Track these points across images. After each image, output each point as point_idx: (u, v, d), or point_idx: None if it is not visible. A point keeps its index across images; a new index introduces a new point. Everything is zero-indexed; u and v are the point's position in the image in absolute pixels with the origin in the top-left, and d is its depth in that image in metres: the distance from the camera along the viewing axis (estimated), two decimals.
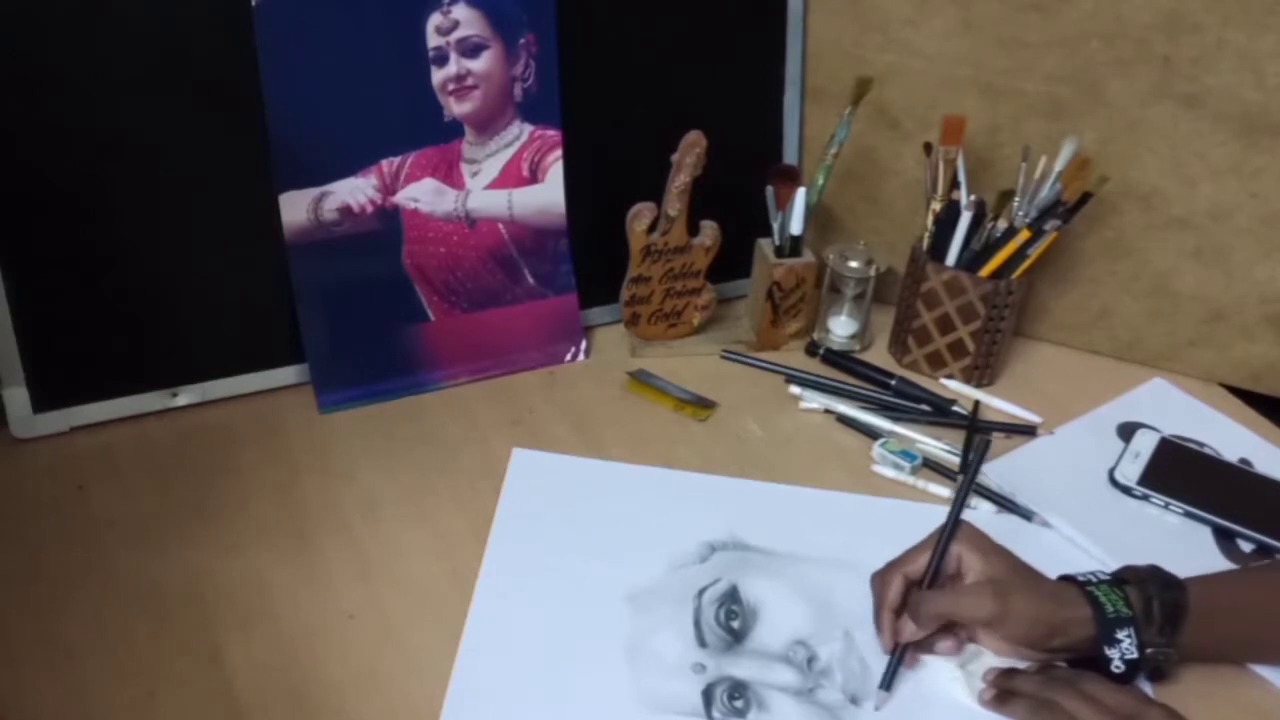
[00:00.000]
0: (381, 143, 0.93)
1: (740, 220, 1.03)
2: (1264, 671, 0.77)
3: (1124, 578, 0.74)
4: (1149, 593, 0.72)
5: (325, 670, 0.73)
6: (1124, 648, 0.71)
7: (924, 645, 0.75)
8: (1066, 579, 0.75)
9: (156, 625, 0.75)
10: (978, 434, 0.92)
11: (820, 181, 1.02)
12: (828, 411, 0.99)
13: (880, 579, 0.76)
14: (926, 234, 1.01)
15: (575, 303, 1.03)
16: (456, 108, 0.94)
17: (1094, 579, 0.74)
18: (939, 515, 0.87)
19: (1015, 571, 0.74)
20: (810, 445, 0.95)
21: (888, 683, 0.73)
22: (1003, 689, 0.72)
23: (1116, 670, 0.71)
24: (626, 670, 0.73)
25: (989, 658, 0.74)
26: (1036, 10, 0.96)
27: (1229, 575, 0.80)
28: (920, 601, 0.73)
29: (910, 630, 0.73)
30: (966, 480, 0.83)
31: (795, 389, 1.00)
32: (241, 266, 0.93)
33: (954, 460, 0.93)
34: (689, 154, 0.97)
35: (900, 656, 0.73)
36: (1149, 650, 0.71)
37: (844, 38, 1.03)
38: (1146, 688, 0.73)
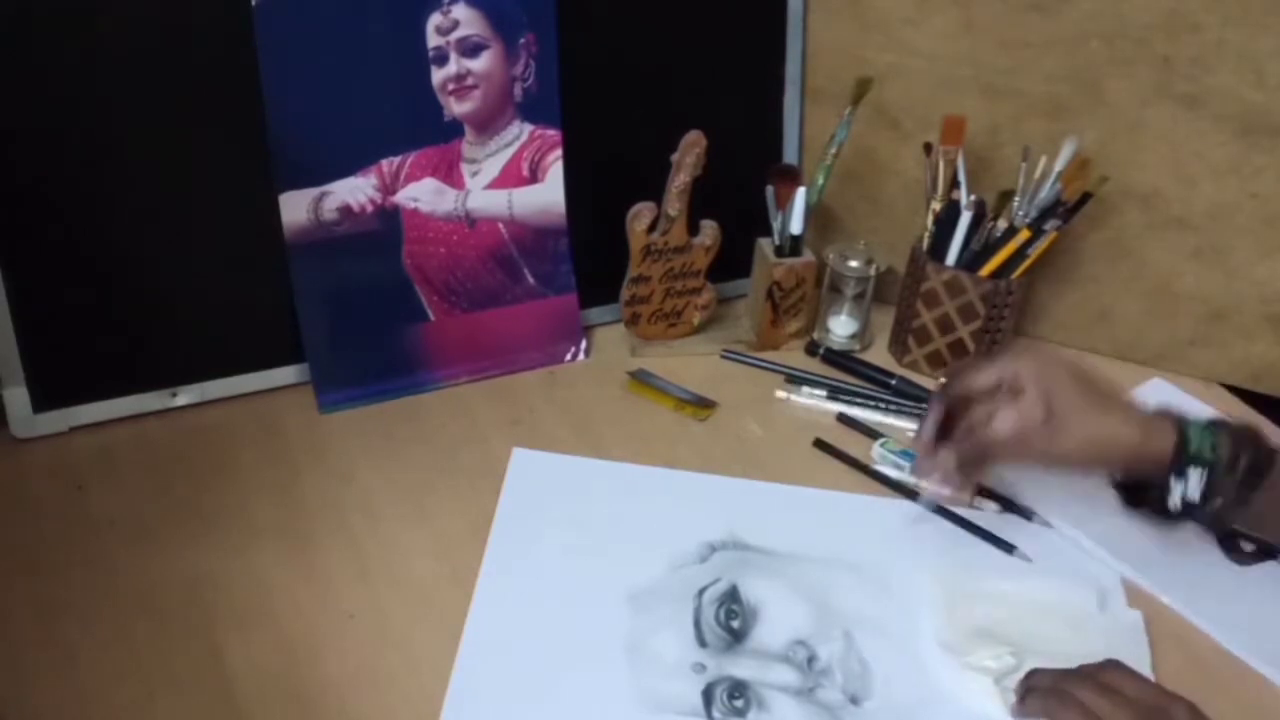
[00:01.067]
0: (381, 143, 0.93)
1: (740, 220, 1.03)
2: (1264, 670, 0.77)
3: (1219, 425, 0.72)
4: (1240, 449, 0.70)
5: (325, 670, 0.73)
6: (1189, 487, 0.69)
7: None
8: (1162, 410, 0.73)
9: (156, 625, 0.75)
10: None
11: (820, 181, 1.02)
12: (840, 417, 0.99)
13: (934, 404, 0.74)
14: (926, 234, 1.01)
15: (575, 303, 1.03)
16: (456, 108, 0.94)
17: (1190, 417, 0.71)
18: (939, 515, 0.88)
19: (1082, 392, 0.69)
20: (810, 445, 0.95)
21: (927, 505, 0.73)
22: (1024, 687, 0.71)
23: (1173, 508, 0.69)
24: (626, 670, 0.73)
25: (1022, 672, 0.73)
26: (1036, 10, 0.96)
27: None
28: (964, 439, 0.71)
29: (949, 460, 0.72)
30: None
31: (781, 393, 1.00)
32: (241, 266, 0.93)
33: None
34: (689, 154, 0.97)
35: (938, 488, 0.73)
36: (1219, 500, 0.69)
37: (844, 38, 1.03)
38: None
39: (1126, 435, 0.69)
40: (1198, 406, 1.02)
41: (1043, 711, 0.69)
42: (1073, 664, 0.71)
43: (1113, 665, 0.70)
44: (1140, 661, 0.75)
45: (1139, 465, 0.70)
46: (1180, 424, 0.71)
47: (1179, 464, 0.69)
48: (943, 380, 0.74)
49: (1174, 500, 0.69)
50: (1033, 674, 0.72)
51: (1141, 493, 0.72)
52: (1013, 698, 0.72)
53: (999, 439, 0.71)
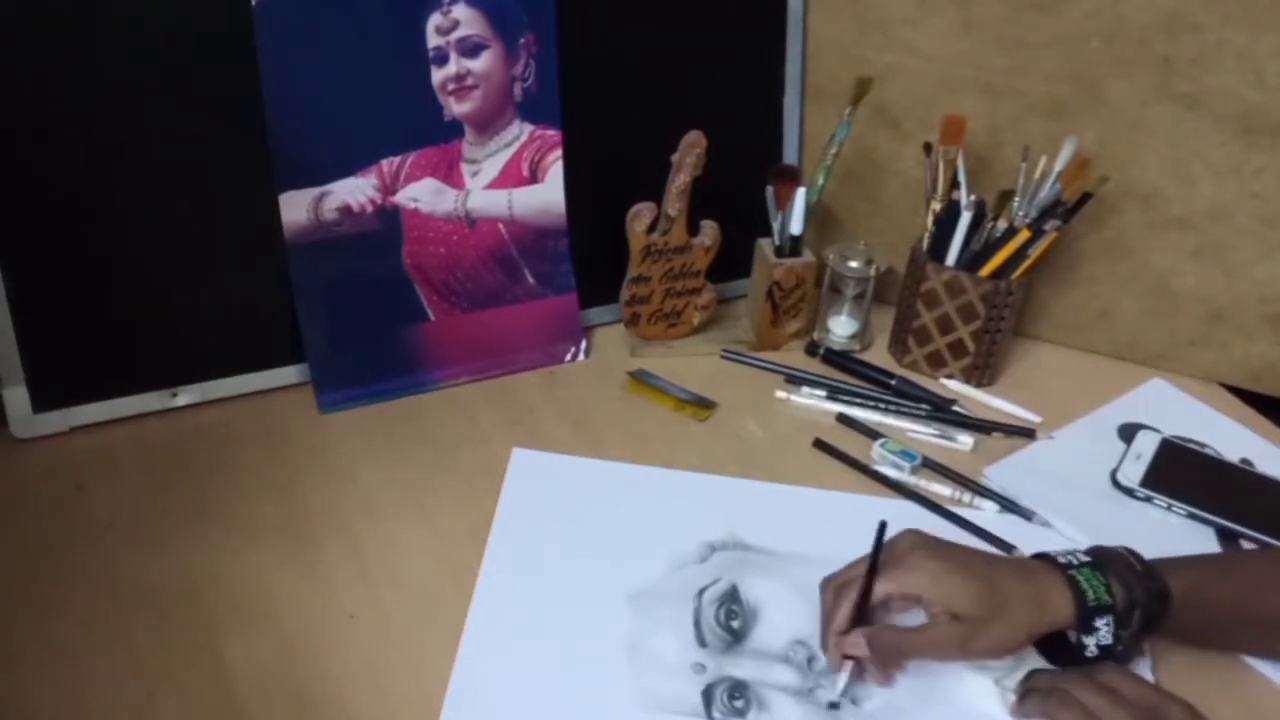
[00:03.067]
0: (381, 143, 0.93)
1: (740, 220, 1.03)
2: (1263, 669, 0.77)
3: (1103, 562, 0.72)
4: (1134, 597, 0.70)
5: (325, 670, 0.73)
6: (1100, 635, 0.70)
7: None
8: (1042, 558, 0.74)
9: (156, 625, 0.75)
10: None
11: (820, 181, 1.02)
12: (840, 417, 0.99)
13: (831, 593, 0.74)
14: (926, 234, 1.01)
15: (575, 303, 1.03)
16: (456, 108, 0.94)
17: (1074, 561, 0.72)
18: (939, 515, 0.88)
19: (982, 601, 0.69)
20: (810, 445, 0.95)
21: (844, 692, 0.72)
22: (1023, 690, 0.71)
23: (1090, 655, 0.70)
24: (626, 670, 0.73)
25: (1022, 672, 0.73)
26: (1036, 10, 0.96)
27: (1208, 568, 0.77)
28: (884, 637, 0.71)
29: (860, 648, 0.71)
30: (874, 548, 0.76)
31: (781, 393, 1.00)
32: (241, 266, 0.93)
33: (954, 455, 0.94)
34: (689, 154, 0.97)
35: (854, 672, 0.72)
36: (1119, 648, 0.70)
37: (844, 38, 1.03)
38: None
39: (1028, 622, 0.70)
40: (1197, 406, 1.02)
41: (1042, 712, 0.69)
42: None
43: (1111, 667, 0.70)
44: (1139, 662, 0.75)
45: (1047, 632, 0.71)
46: (1068, 577, 0.71)
47: (1085, 621, 0.70)
48: (829, 583, 0.75)
49: (1091, 651, 0.70)
50: (1032, 675, 0.72)
51: (1056, 644, 0.73)
52: (1013, 698, 0.72)
53: (911, 656, 0.73)
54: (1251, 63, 0.92)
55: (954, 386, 1.03)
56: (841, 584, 0.74)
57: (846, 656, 0.72)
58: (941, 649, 0.71)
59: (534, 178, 0.99)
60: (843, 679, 0.72)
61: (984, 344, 1.01)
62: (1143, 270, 1.03)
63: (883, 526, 0.76)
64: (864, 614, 0.72)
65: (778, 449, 0.95)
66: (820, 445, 0.94)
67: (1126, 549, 0.74)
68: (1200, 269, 1.01)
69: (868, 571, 0.73)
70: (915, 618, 0.73)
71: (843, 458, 0.93)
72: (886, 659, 0.72)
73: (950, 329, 1.01)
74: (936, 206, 1.00)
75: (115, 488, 0.86)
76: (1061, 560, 0.72)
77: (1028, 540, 0.84)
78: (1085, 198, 0.96)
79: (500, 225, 0.99)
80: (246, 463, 0.89)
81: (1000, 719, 0.72)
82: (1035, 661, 0.73)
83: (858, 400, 1.00)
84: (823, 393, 1.00)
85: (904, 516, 0.88)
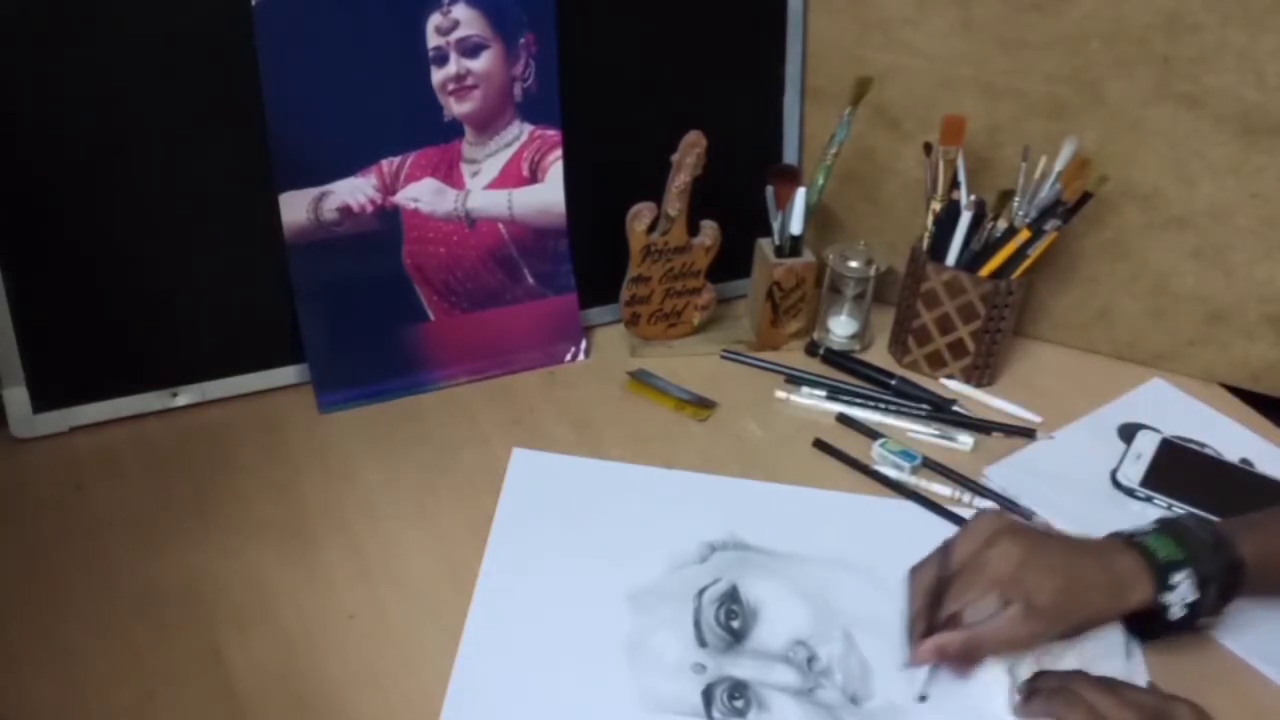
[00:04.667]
0: (381, 143, 0.93)
1: (740, 220, 1.03)
2: (1263, 668, 0.77)
3: (1174, 529, 0.72)
4: (1207, 572, 0.70)
5: (325, 670, 0.73)
6: (1182, 591, 0.70)
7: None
8: (1114, 536, 0.74)
9: (156, 625, 0.75)
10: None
11: (820, 181, 1.02)
12: (840, 417, 0.99)
13: (919, 594, 0.74)
14: (926, 234, 1.01)
15: (575, 303, 1.03)
16: (456, 108, 0.94)
17: (1142, 530, 0.72)
18: (938, 515, 0.88)
19: (1061, 587, 0.69)
20: (810, 445, 0.95)
21: (926, 690, 0.72)
22: (1029, 690, 0.71)
23: (1175, 618, 0.70)
24: (626, 670, 0.73)
25: (1031, 664, 0.73)
26: (1036, 10, 0.96)
27: (1276, 524, 0.76)
28: (951, 645, 0.71)
29: (933, 656, 0.71)
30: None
31: (781, 393, 1.00)
32: (241, 266, 0.93)
33: (954, 455, 0.94)
34: (689, 154, 0.97)
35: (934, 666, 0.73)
36: (1200, 619, 0.71)
37: (844, 38, 1.03)
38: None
39: (1108, 607, 0.70)
40: (1197, 406, 1.02)
41: (1048, 711, 0.69)
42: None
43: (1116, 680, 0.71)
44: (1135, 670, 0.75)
45: (1132, 609, 0.71)
46: (1138, 546, 0.71)
47: (1162, 581, 0.70)
48: (919, 569, 0.75)
49: (1175, 611, 0.70)
50: (1039, 675, 0.72)
51: (1146, 621, 0.73)
52: (1017, 693, 0.72)
53: (991, 650, 0.72)
54: (1251, 63, 0.92)
55: (954, 386, 1.03)
56: (930, 583, 0.74)
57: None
58: (1017, 643, 0.70)
59: (534, 178, 0.99)
60: (921, 676, 0.72)
61: (984, 344, 1.01)
62: (1143, 270, 1.03)
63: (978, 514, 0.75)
64: (937, 614, 0.72)
65: (778, 449, 0.95)
66: (820, 445, 0.94)
67: (1192, 514, 0.74)
68: (1200, 269, 1.01)
69: (943, 558, 0.73)
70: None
71: (843, 458, 0.93)
72: (974, 656, 0.72)
73: (950, 329, 1.01)
74: (936, 206, 1.00)
75: (115, 488, 0.86)
76: (1131, 535, 0.73)
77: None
78: (1085, 198, 0.96)
79: (500, 225, 0.99)
80: (246, 463, 0.89)
81: (1005, 715, 0.72)
82: (1049, 651, 0.74)
83: (858, 400, 1.00)
84: (823, 393, 1.00)
85: (904, 516, 0.88)
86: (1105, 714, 0.66)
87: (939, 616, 0.72)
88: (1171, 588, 0.70)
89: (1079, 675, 0.70)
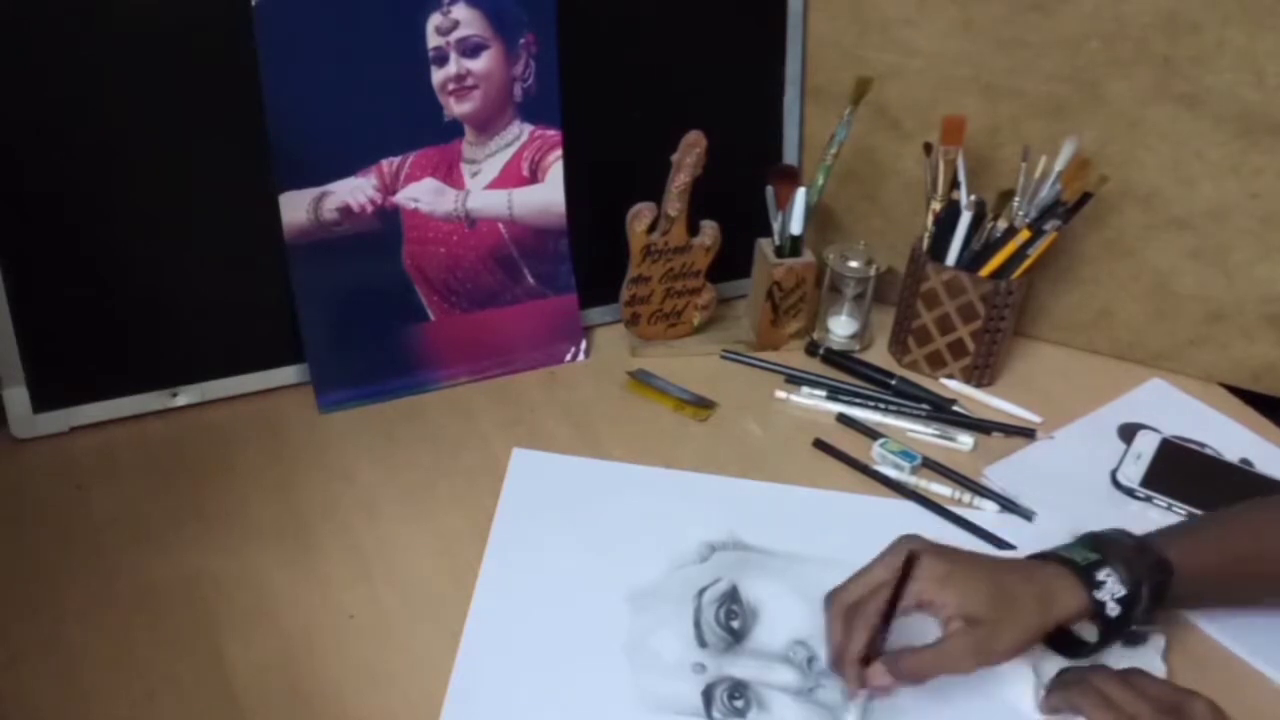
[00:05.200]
0: (381, 143, 0.92)
1: (740, 220, 1.03)
2: (1263, 668, 0.77)
3: (1095, 539, 0.73)
4: (1137, 574, 0.70)
5: (325, 670, 0.73)
6: (1111, 588, 0.69)
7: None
8: (1038, 556, 0.73)
9: (156, 625, 0.75)
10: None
11: (820, 181, 1.02)
12: (840, 417, 0.99)
13: (841, 617, 0.71)
14: (926, 234, 1.01)
15: (575, 303, 1.03)
16: (456, 108, 0.94)
17: (1063, 545, 0.72)
18: (939, 515, 0.88)
19: (994, 602, 0.68)
20: (810, 445, 0.95)
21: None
22: (1051, 685, 0.72)
23: (1112, 614, 0.69)
24: (626, 670, 0.73)
25: (1056, 660, 0.74)
26: (1036, 10, 0.96)
27: (1206, 534, 0.76)
28: (902, 662, 0.69)
29: (885, 681, 0.69)
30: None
31: (781, 393, 1.00)
32: (241, 266, 0.93)
33: (954, 455, 0.94)
34: (689, 154, 0.97)
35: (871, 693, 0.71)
36: (1131, 627, 0.70)
37: (844, 38, 1.03)
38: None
39: (1038, 619, 0.69)
40: (1197, 406, 1.02)
41: (1067, 703, 0.70)
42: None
43: (1136, 669, 0.71)
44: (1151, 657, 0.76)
45: (1063, 621, 0.70)
46: (1060, 559, 0.71)
47: (1089, 582, 0.69)
48: (834, 603, 0.73)
49: (1111, 608, 0.69)
50: (1061, 671, 0.72)
51: (1067, 641, 0.73)
52: (1042, 693, 0.72)
53: (932, 675, 0.70)
54: (1251, 63, 0.92)
55: (954, 386, 1.03)
56: (853, 604, 0.71)
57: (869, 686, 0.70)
58: (961, 660, 0.68)
59: (534, 178, 0.99)
60: (859, 704, 0.71)
61: (984, 344, 1.01)
62: (1143, 270, 1.03)
63: (910, 557, 0.71)
64: (883, 637, 0.70)
65: (778, 449, 0.95)
66: (820, 445, 0.94)
67: (1117, 529, 0.74)
68: (1200, 269, 1.01)
69: (890, 601, 0.70)
70: (923, 626, 0.71)
71: (843, 458, 0.93)
72: (913, 682, 0.70)
73: (950, 329, 1.01)
74: (936, 206, 0.99)
75: (115, 488, 0.86)
76: (1047, 552, 0.73)
77: (1027, 540, 0.84)
78: (1085, 198, 0.96)
79: (500, 225, 0.99)
80: (246, 463, 0.89)
81: (1032, 712, 0.72)
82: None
83: (858, 400, 1.00)
84: (823, 393, 1.00)
85: (904, 516, 0.88)
86: (1122, 706, 0.67)
87: (868, 642, 0.70)
88: (1100, 584, 0.69)
89: (1099, 668, 0.71)
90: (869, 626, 0.69)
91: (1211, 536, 0.76)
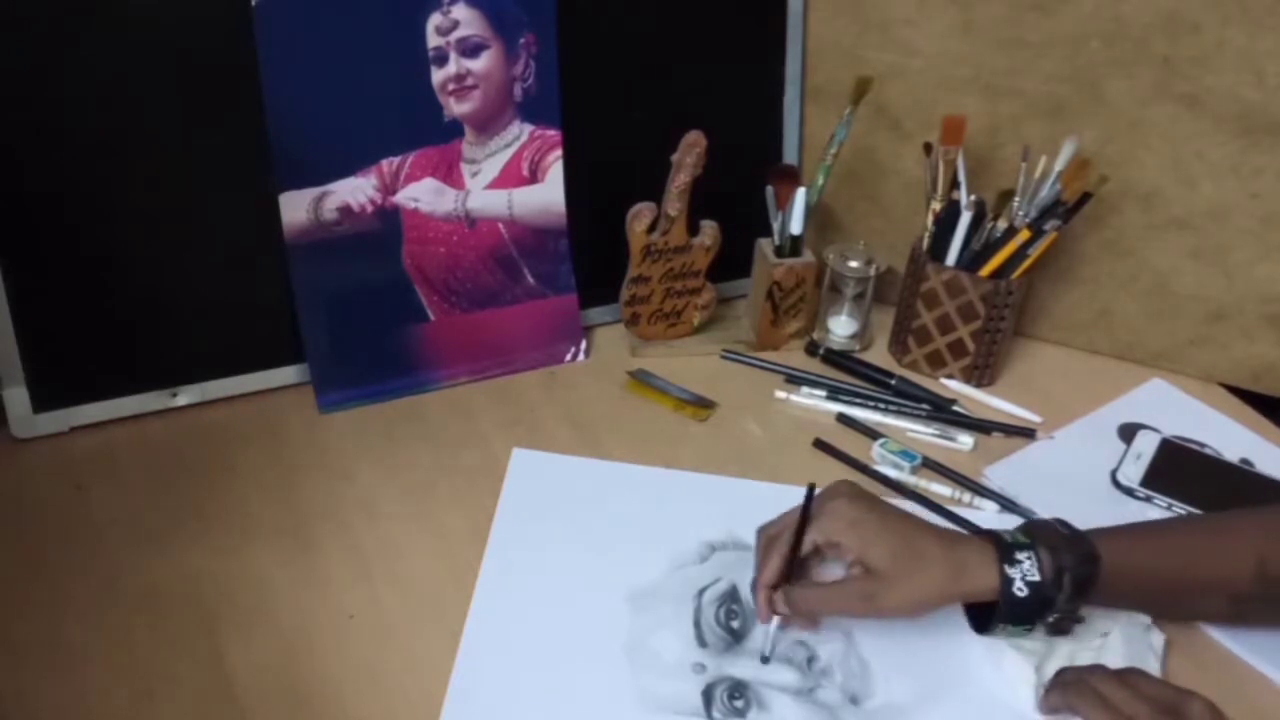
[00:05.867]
0: (381, 143, 0.93)
1: (740, 220, 1.03)
2: (1263, 668, 0.77)
3: (1030, 527, 0.74)
4: (1061, 562, 0.70)
5: (325, 670, 0.73)
6: (1025, 569, 0.70)
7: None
8: (978, 533, 0.75)
9: (156, 625, 0.75)
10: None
11: (820, 181, 1.02)
12: (840, 417, 0.99)
13: (764, 545, 0.76)
14: (926, 234, 1.01)
15: (575, 303, 1.03)
16: (456, 108, 0.94)
17: (1016, 559, 0.72)
18: (938, 515, 0.88)
19: (895, 558, 0.70)
20: (810, 445, 0.95)
21: (770, 654, 0.74)
22: (1050, 685, 0.72)
23: (1019, 594, 0.69)
24: (626, 670, 0.73)
25: (1059, 660, 0.74)
26: (1036, 10, 0.96)
27: (1141, 535, 0.77)
28: (793, 594, 0.73)
29: (782, 605, 0.73)
30: (805, 502, 0.77)
31: (781, 393, 1.00)
32: (241, 266, 0.93)
33: (954, 455, 0.94)
34: (689, 154, 0.97)
35: (782, 625, 0.74)
36: (1052, 617, 0.71)
37: (844, 38, 1.03)
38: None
39: (941, 585, 0.70)
40: (1197, 406, 1.02)
41: (1065, 703, 0.70)
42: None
43: (1134, 669, 0.71)
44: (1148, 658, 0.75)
45: (972, 594, 0.71)
46: (993, 537, 0.72)
47: (1006, 556, 0.70)
48: (764, 533, 0.77)
49: (1019, 588, 0.69)
50: (1060, 672, 0.73)
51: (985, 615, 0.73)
52: (1042, 692, 0.72)
53: (824, 612, 0.74)
54: (1251, 63, 0.92)
55: (954, 386, 1.03)
56: (773, 535, 0.76)
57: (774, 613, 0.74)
58: (849, 603, 0.72)
59: (534, 178, 0.99)
60: (771, 630, 0.74)
61: (984, 344, 1.01)
62: (1143, 270, 1.03)
63: (811, 488, 0.77)
64: (792, 567, 0.73)
65: (778, 449, 0.95)
66: (820, 445, 0.94)
67: (1057, 519, 0.74)
68: (1200, 269, 1.01)
69: (797, 528, 0.74)
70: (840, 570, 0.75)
71: (843, 458, 0.93)
72: (804, 615, 0.74)
73: (950, 329, 1.01)
74: (936, 206, 1.00)
75: (115, 488, 0.86)
76: (990, 529, 0.74)
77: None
78: (1085, 198, 0.96)
79: (500, 225, 0.99)
80: (246, 463, 0.89)
81: (1030, 711, 0.72)
82: (1067, 645, 0.74)
83: (858, 400, 1.00)
84: (823, 393, 1.00)
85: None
86: (1120, 707, 0.67)
87: (779, 570, 0.74)
88: (1016, 562, 0.70)
89: (1096, 668, 0.71)
90: (781, 556, 0.74)
91: (1149, 542, 0.76)
